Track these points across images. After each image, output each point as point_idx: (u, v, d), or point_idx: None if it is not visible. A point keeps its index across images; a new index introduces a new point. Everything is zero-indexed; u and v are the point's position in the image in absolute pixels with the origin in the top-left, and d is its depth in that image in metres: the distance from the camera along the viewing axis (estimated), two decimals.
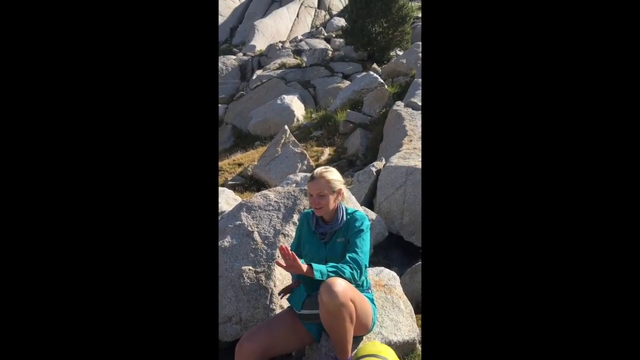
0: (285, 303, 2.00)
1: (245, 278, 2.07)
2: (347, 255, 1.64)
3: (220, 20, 19.74)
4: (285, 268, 1.54)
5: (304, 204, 2.40)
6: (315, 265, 1.56)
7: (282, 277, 2.12)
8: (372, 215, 3.33)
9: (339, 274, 1.56)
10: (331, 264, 1.60)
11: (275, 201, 2.47)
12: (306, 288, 1.75)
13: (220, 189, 4.16)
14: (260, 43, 16.71)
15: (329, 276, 1.54)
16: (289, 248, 1.52)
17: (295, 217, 2.34)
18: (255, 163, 5.90)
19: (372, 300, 1.78)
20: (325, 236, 1.76)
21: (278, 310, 2.00)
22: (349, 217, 1.75)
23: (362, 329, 1.71)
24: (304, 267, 1.55)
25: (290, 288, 1.79)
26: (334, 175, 1.74)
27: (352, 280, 1.59)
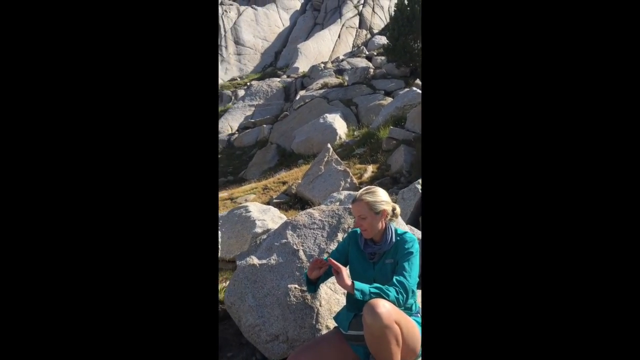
0: (331, 323, 1.98)
1: (292, 297, 2.08)
2: (395, 277, 1.61)
3: (266, 45, 20.70)
4: (338, 279, 1.54)
5: (349, 222, 2.40)
6: (357, 284, 1.53)
7: (327, 297, 2.12)
8: (419, 234, 3.24)
9: (382, 295, 1.52)
10: (376, 284, 1.57)
11: (319, 220, 2.50)
12: (349, 307, 1.73)
13: (265, 207, 4.28)
14: (303, 65, 17.25)
15: (370, 297, 1.51)
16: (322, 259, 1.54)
17: (340, 236, 2.34)
18: (299, 181, 6.00)
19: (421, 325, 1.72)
20: (374, 256, 1.74)
21: (324, 331, 1.99)
22: (398, 238, 1.71)
23: (411, 354, 1.65)
24: (348, 280, 1.54)
25: (320, 262, 1.68)
26: (375, 196, 1.70)
27: (396, 303, 1.55)
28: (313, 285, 1.82)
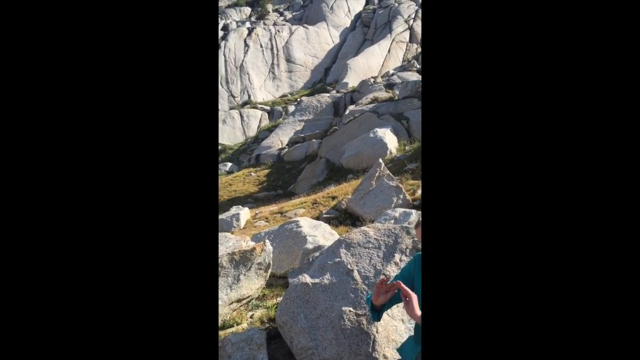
0: (389, 352, 1.84)
1: (346, 320, 1.97)
2: None
3: (316, 62, 21.16)
4: (407, 308, 1.40)
5: (406, 242, 2.25)
6: None
7: (384, 323, 1.98)
8: None
9: None
10: None
11: (375, 238, 2.38)
12: (417, 339, 1.58)
13: (316, 222, 4.23)
14: (352, 80, 17.34)
15: None
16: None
17: (397, 257, 2.20)
18: (349, 197, 5.90)
19: None
20: None
21: None
22: None
23: None
24: (419, 310, 1.40)
25: (386, 282, 1.50)
26: None
27: None
28: (377, 313, 1.62)
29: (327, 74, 20.38)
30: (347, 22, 23.41)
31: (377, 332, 1.93)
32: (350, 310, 2.01)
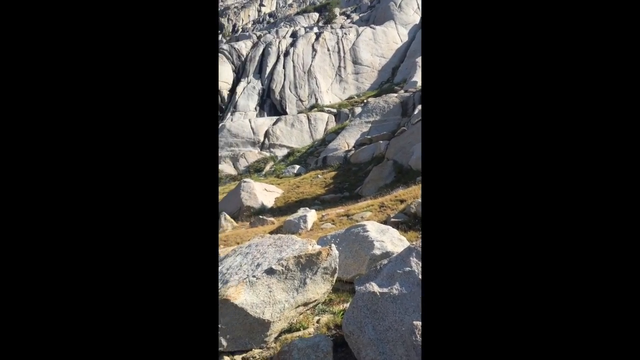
0: None
1: (418, 336, 1.83)
2: None
3: (383, 62, 20.79)
4: None
5: None
6: None
7: None
8: None
9: None
10: None
11: None
12: None
13: (384, 227, 4.08)
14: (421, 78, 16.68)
15: None
16: None
17: None
18: (419, 200, 5.62)
19: None
20: None
21: None
22: None
23: None
24: None
25: None
26: None
27: None
28: None
29: (394, 73, 19.90)
30: (416, 19, 22.62)
31: None
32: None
